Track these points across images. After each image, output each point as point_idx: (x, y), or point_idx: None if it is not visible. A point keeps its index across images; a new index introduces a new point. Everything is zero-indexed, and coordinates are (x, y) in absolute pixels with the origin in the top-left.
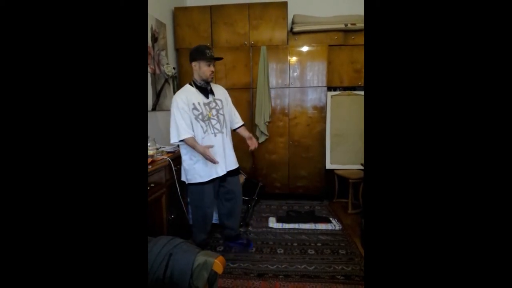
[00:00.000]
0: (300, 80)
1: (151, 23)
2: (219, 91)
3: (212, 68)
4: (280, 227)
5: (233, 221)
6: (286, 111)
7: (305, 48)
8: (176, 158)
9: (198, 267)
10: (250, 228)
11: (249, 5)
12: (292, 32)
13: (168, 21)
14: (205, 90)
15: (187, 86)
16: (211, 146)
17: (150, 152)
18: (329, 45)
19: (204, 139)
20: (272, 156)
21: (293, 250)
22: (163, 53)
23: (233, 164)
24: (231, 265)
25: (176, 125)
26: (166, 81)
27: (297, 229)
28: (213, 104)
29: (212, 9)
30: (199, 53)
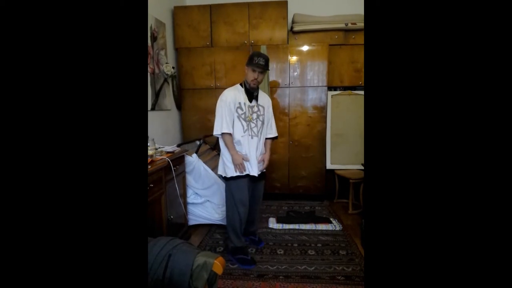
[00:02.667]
0: (300, 80)
1: (150, 22)
2: (264, 99)
3: (255, 76)
4: (280, 227)
5: (250, 224)
6: (286, 110)
7: (305, 48)
8: (176, 159)
9: (198, 268)
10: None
11: (249, 4)
12: (292, 32)
13: (167, 21)
14: (251, 94)
15: (238, 85)
16: (247, 160)
17: (149, 152)
18: (330, 45)
19: (243, 137)
20: (272, 156)
21: (293, 250)
22: (162, 52)
23: (262, 168)
24: (231, 266)
25: (221, 118)
26: (165, 80)
27: (297, 229)
28: (256, 109)
29: (212, 8)
30: (249, 59)
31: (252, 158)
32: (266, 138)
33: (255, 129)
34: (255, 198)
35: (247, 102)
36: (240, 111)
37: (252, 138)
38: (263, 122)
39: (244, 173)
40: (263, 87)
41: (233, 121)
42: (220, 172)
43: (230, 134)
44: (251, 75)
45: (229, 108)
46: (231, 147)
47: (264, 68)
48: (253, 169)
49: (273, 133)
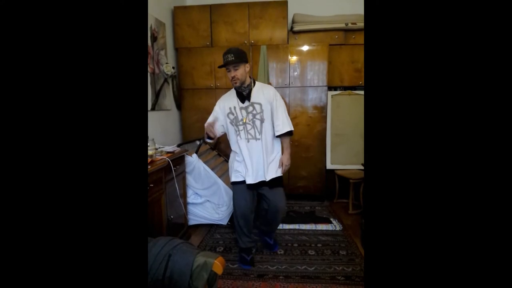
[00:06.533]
0: (301, 80)
1: (150, 22)
2: (261, 95)
3: (232, 74)
4: (280, 227)
5: (265, 227)
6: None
7: (305, 48)
8: (176, 159)
9: (198, 268)
10: None
11: (249, 4)
12: (292, 31)
13: (167, 20)
14: (241, 95)
15: (232, 90)
16: (211, 125)
17: (149, 152)
18: (330, 45)
19: (238, 143)
20: None
21: (294, 250)
22: (162, 52)
23: (263, 176)
24: (231, 266)
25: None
26: (166, 80)
27: (298, 229)
28: (250, 109)
29: (212, 8)
30: (223, 63)
31: (251, 163)
32: (277, 136)
33: (252, 131)
34: (269, 206)
35: (239, 105)
36: (231, 116)
37: (248, 141)
38: (262, 121)
39: (240, 179)
40: None
41: (228, 127)
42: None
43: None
44: (229, 76)
45: (215, 112)
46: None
47: (234, 61)
48: (249, 176)
49: (279, 129)
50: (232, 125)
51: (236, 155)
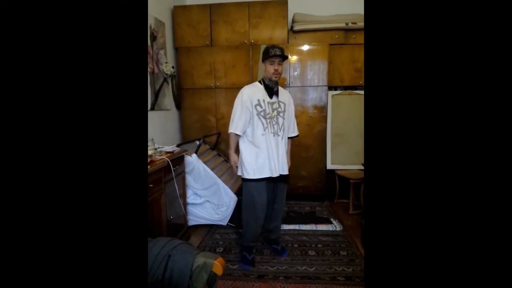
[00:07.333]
0: (301, 79)
1: (150, 21)
2: (285, 95)
3: (275, 67)
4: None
5: (269, 224)
6: None
7: (305, 47)
8: (175, 159)
9: (198, 269)
10: None
11: (249, 4)
12: (292, 31)
13: (167, 20)
14: (271, 90)
15: (256, 83)
16: (236, 165)
17: (148, 152)
18: (330, 44)
19: (264, 136)
20: None
21: (294, 251)
22: (162, 52)
23: (284, 170)
24: (231, 267)
25: (235, 117)
26: (165, 80)
27: (298, 230)
28: (276, 105)
29: (211, 7)
30: (265, 53)
31: (273, 157)
32: (288, 138)
33: (275, 127)
34: (276, 200)
35: (267, 99)
36: (259, 108)
37: (274, 136)
38: (284, 119)
39: (259, 177)
40: None
41: (253, 119)
42: (239, 173)
43: (238, 135)
44: (270, 68)
45: (246, 108)
46: (231, 147)
47: (282, 56)
48: (274, 169)
49: (294, 131)
50: (260, 117)
51: (258, 150)
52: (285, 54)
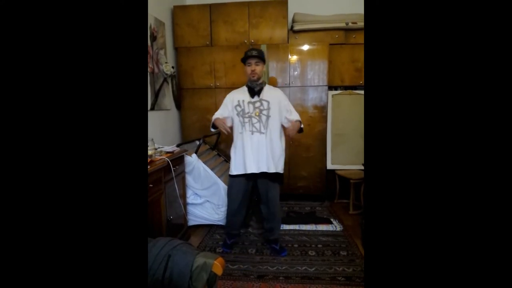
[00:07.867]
0: (301, 79)
1: (150, 21)
2: (271, 94)
3: (252, 67)
4: (280, 228)
5: (267, 224)
6: None
7: (305, 47)
8: (175, 159)
9: (198, 269)
10: (250, 230)
11: (249, 4)
12: (292, 31)
13: (167, 20)
14: (253, 90)
15: (243, 87)
16: (223, 121)
17: (148, 152)
18: (330, 44)
19: (241, 134)
20: None
21: (294, 251)
22: (162, 52)
23: (266, 168)
24: (231, 267)
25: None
26: (165, 80)
27: (298, 230)
28: (258, 104)
29: (211, 7)
30: (243, 57)
31: (249, 155)
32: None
33: (257, 125)
34: (268, 200)
35: (247, 99)
36: (238, 108)
37: (252, 133)
38: (268, 117)
39: (235, 173)
40: None
41: (234, 120)
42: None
43: (218, 117)
44: (248, 69)
45: (225, 104)
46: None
47: (257, 56)
48: (250, 166)
49: (295, 117)
50: (238, 116)
51: (236, 149)
52: (285, 54)
